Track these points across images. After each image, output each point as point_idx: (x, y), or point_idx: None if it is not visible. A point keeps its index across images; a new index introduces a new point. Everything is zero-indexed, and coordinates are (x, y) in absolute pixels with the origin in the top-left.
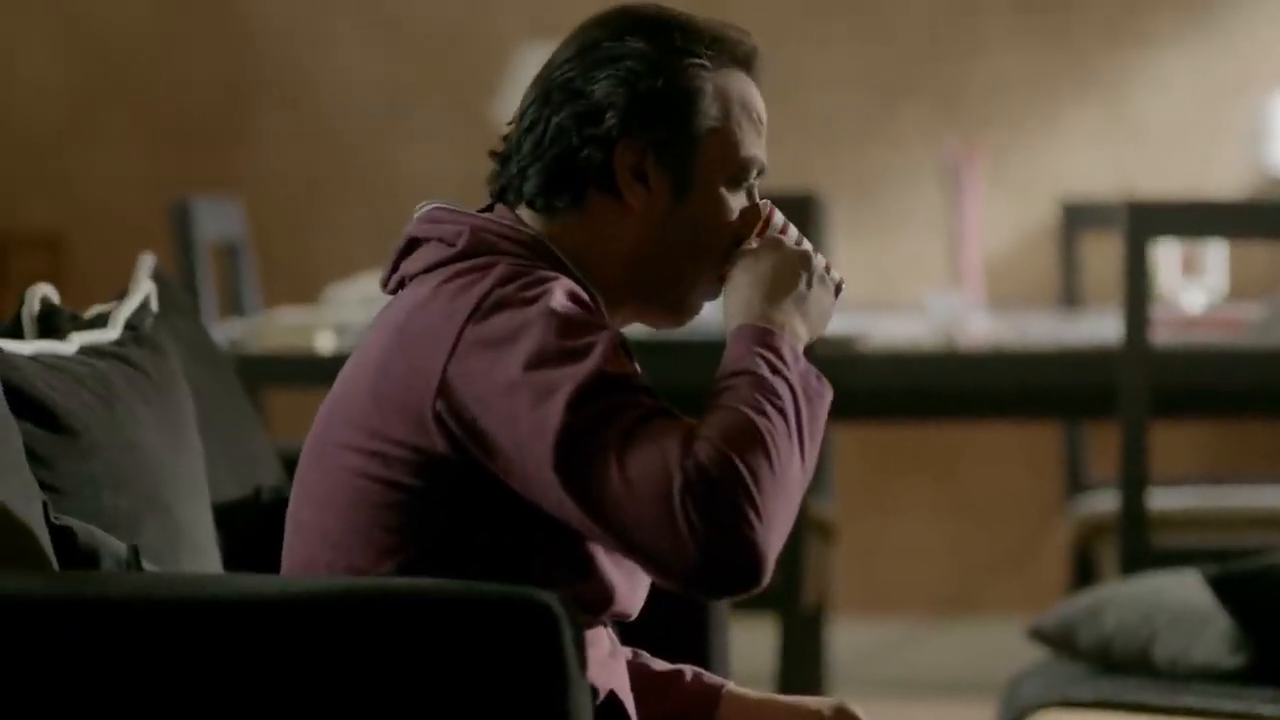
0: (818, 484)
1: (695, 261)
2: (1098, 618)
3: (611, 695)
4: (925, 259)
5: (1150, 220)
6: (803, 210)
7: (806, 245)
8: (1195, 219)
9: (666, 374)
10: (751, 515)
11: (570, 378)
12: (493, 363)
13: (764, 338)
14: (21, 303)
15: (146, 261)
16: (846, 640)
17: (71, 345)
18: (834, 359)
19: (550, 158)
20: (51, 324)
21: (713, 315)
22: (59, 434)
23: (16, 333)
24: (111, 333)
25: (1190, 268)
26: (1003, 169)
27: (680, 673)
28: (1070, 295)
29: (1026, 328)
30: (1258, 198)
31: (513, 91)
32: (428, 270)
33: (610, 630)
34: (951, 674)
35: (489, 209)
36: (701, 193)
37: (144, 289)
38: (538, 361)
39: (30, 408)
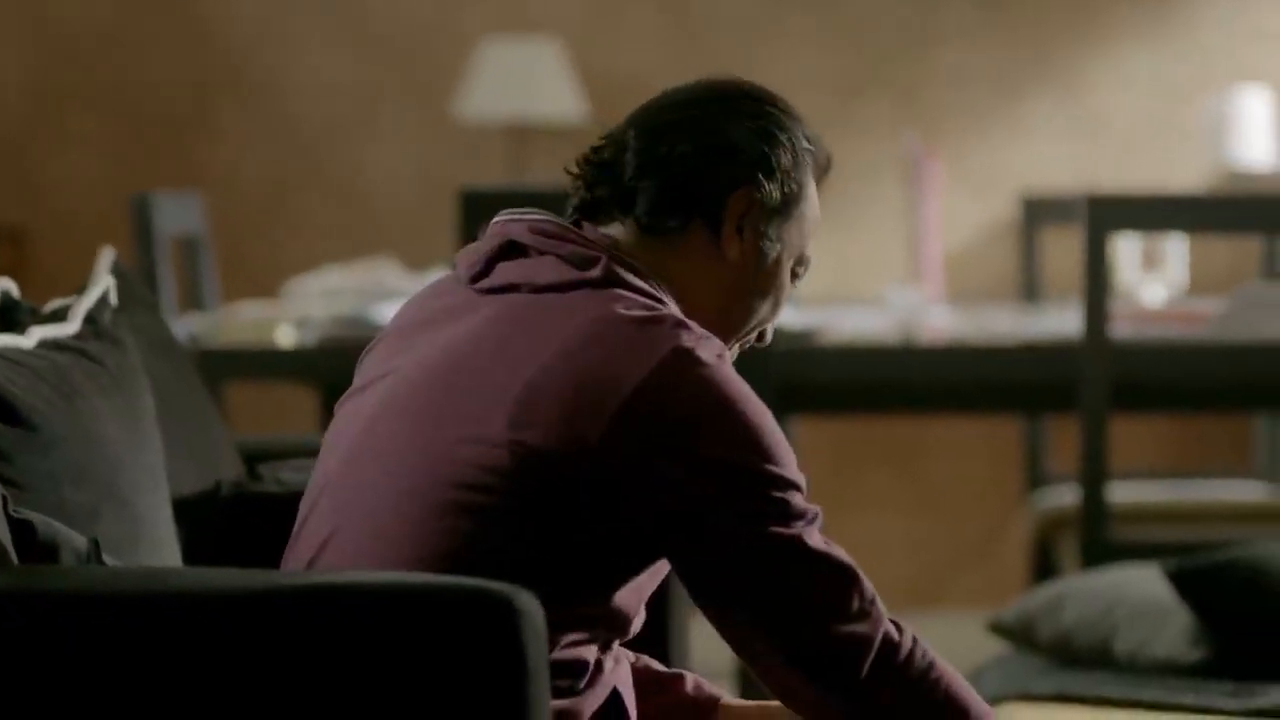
0: None
1: (747, 325)
2: (1058, 611)
3: (614, 692)
4: (886, 253)
5: (1110, 215)
6: None
7: None
8: (1155, 213)
9: None
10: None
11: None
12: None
13: None
14: None
15: (106, 255)
16: None
17: (30, 339)
18: (794, 352)
19: (668, 179)
20: (10, 318)
21: None
22: (18, 428)
23: None
24: (70, 327)
25: (1150, 262)
26: (963, 164)
27: (681, 677)
28: (1030, 289)
29: (987, 322)
30: (1217, 192)
31: (476, 89)
32: (559, 289)
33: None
34: None
35: (575, 223)
36: (776, 266)
37: (103, 283)
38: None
39: None
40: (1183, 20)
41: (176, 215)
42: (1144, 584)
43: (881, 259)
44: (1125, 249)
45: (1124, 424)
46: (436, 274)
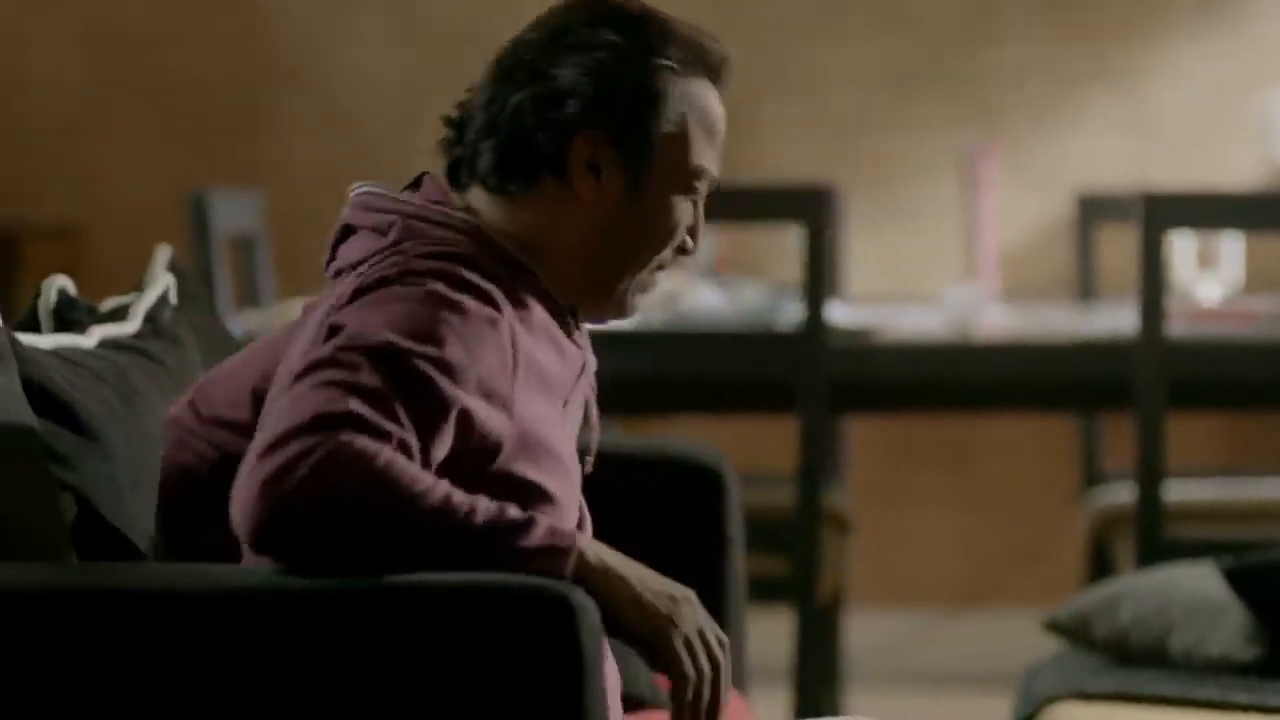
0: (833, 476)
1: (636, 261)
2: (1113, 610)
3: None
4: (942, 251)
5: (1166, 212)
6: (820, 202)
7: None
8: (1211, 211)
9: (686, 365)
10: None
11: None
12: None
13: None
14: (38, 295)
15: (164, 253)
16: (862, 632)
17: (91, 339)
18: (849, 350)
19: (505, 136)
20: (69, 317)
21: (730, 309)
22: (79, 434)
23: (33, 326)
24: (130, 326)
25: (1206, 260)
26: (1019, 161)
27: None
28: (1086, 287)
29: (1042, 320)
30: (1273, 190)
31: None
32: (360, 263)
33: None
34: (967, 666)
35: (417, 184)
36: (651, 194)
37: (162, 281)
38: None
39: (51, 407)
40: (1239, 17)
41: (233, 213)
42: (1199, 582)
43: (937, 256)
44: (1181, 246)
45: (1179, 422)
46: None
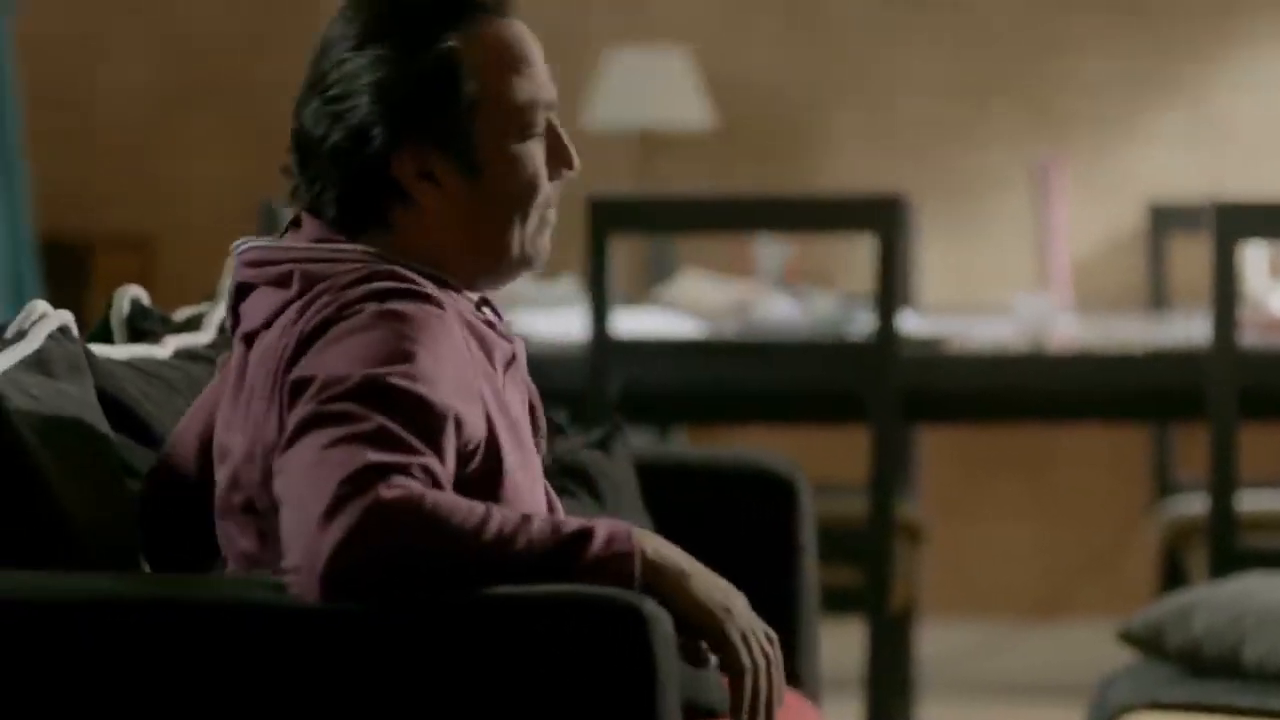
0: (905, 486)
1: (516, 222)
2: (1187, 620)
3: None
4: (1013, 261)
5: (1238, 222)
6: (893, 212)
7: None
8: None
9: (758, 375)
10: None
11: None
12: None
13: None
14: (110, 305)
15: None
16: (935, 642)
17: (166, 349)
18: (921, 360)
19: (338, 189)
20: (142, 327)
21: (802, 319)
22: (152, 447)
23: (106, 336)
24: (205, 336)
25: (1278, 269)
26: (1091, 171)
27: None
28: (1158, 297)
29: (1114, 330)
30: None
31: (605, 97)
32: (270, 323)
33: None
34: (1040, 676)
35: (297, 223)
36: (493, 162)
37: None
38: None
39: (126, 420)
40: None
41: None
42: (1273, 592)
43: (1009, 267)
44: (1253, 256)
45: (1252, 432)
46: (564, 282)
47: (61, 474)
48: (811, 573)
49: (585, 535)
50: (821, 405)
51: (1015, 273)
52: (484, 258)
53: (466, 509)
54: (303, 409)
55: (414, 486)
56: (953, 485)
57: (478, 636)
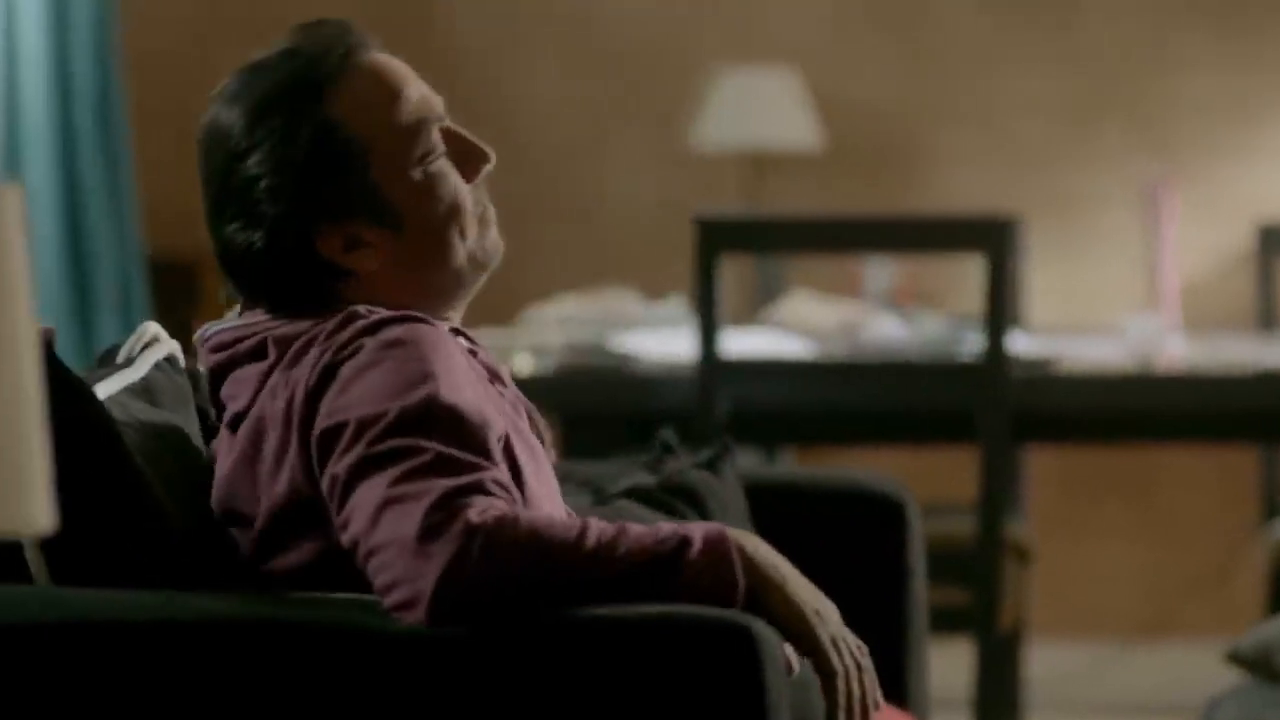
0: (1013, 506)
1: (458, 239)
2: None
3: None
4: (1121, 282)
5: None
6: (1002, 232)
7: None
8: None
9: (867, 396)
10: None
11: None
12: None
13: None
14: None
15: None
16: (1042, 663)
17: None
18: (1030, 380)
19: (273, 284)
20: None
21: (910, 339)
22: None
23: None
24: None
25: None
26: (1199, 191)
27: None
28: (1267, 318)
29: (1223, 350)
30: None
31: (712, 116)
32: (259, 389)
33: None
34: (1148, 697)
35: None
36: (409, 203)
37: None
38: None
39: None
40: None
41: None
42: None
43: (1117, 287)
44: None
45: None
46: (673, 303)
47: (165, 496)
48: (920, 593)
49: (685, 541)
50: (930, 426)
51: (1123, 293)
52: (438, 288)
53: (562, 523)
54: (347, 458)
55: (499, 504)
56: (1059, 506)
57: (585, 660)
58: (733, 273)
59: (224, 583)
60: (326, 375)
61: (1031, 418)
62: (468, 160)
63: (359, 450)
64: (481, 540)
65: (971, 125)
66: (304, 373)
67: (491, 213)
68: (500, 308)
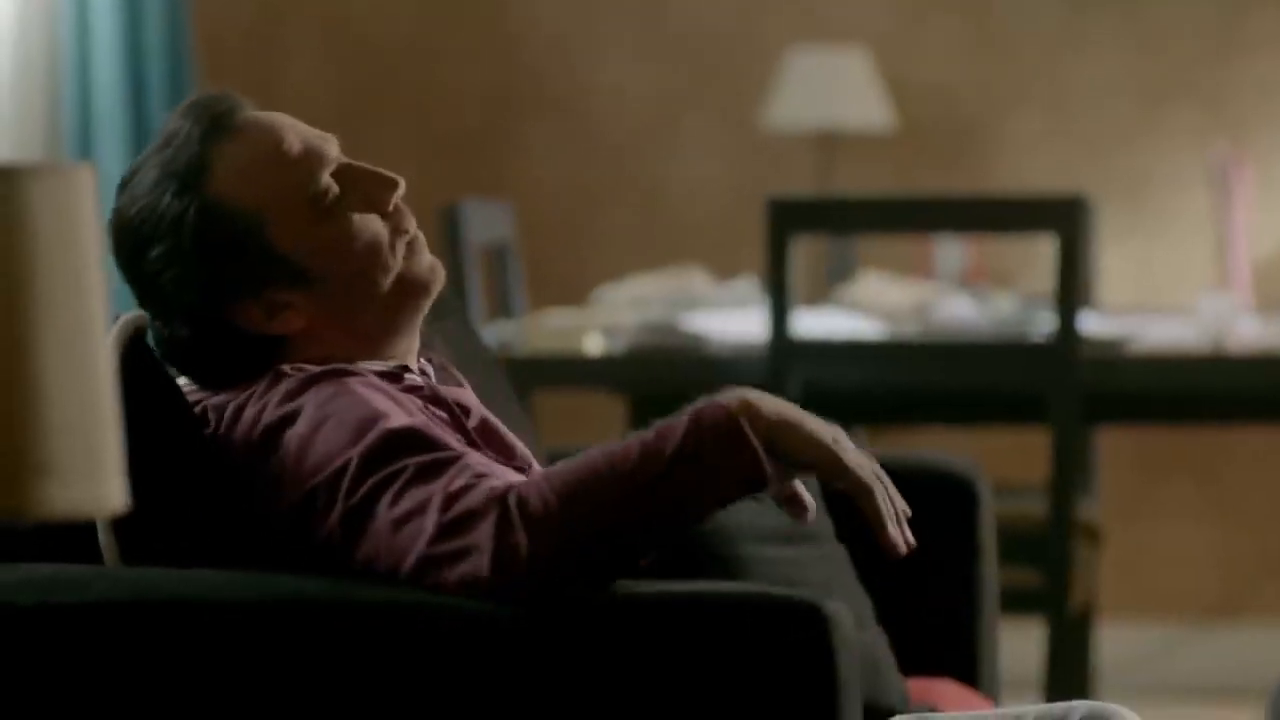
0: (1084, 487)
1: (380, 277)
2: None
3: None
4: (1192, 262)
5: None
6: (1074, 213)
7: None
8: None
9: (938, 376)
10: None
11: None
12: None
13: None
14: None
15: None
16: (1113, 644)
17: None
18: (1102, 361)
19: (206, 361)
20: None
21: (982, 319)
22: None
23: None
24: None
25: None
26: (1271, 171)
27: None
28: None
29: None
30: None
31: (783, 98)
32: None
33: None
34: (1218, 678)
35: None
36: (319, 258)
37: None
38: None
39: None
40: None
41: (486, 224)
42: None
43: (1188, 267)
44: None
45: None
46: (744, 283)
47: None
48: (991, 573)
49: (693, 421)
50: (1001, 406)
51: (1194, 273)
52: (378, 328)
53: (575, 466)
54: (333, 515)
55: (494, 481)
56: (1131, 486)
57: (654, 639)
58: (804, 253)
59: (296, 564)
60: (272, 433)
61: (1103, 398)
62: (376, 191)
63: (339, 506)
64: (514, 499)
65: (1042, 107)
66: (245, 429)
67: (420, 238)
68: (572, 288)
